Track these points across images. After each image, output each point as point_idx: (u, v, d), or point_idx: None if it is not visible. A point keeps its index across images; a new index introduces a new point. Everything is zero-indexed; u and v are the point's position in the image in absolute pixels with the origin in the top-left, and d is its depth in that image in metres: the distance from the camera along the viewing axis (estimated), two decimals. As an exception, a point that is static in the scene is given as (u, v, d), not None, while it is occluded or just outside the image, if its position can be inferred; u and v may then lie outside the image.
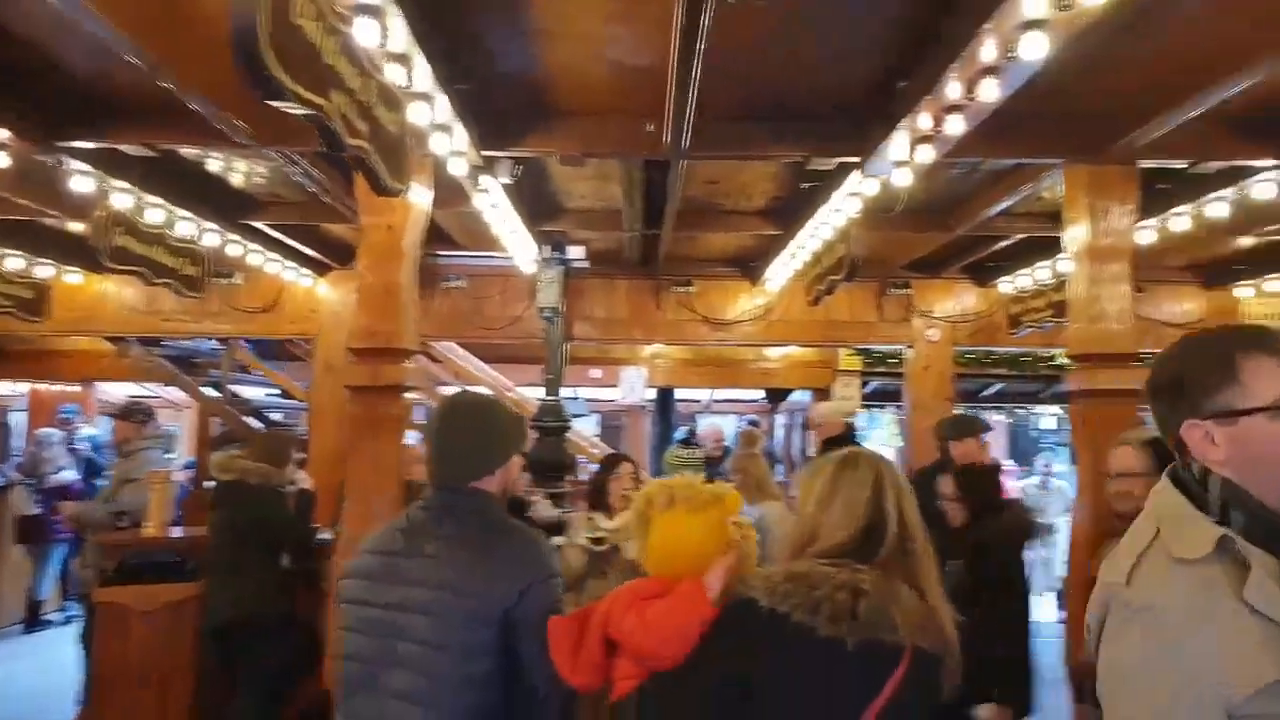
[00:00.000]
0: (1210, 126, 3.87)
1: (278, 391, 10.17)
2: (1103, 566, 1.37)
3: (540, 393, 6.82)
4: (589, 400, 12.88)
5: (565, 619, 2.02)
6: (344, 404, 3.95)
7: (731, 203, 5.69)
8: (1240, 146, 4.08)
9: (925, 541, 1.83)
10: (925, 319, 7.52)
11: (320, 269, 7.09)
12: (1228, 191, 4.54)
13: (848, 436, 6.66)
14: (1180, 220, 4.87)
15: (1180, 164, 4.27)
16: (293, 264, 6.75)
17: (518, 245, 5.80)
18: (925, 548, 1.82)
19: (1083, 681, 3.15)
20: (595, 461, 7.82)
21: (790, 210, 5.55)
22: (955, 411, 6.64)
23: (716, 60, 3.07)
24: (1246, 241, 5.94)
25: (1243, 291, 6.88)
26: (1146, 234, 4.96)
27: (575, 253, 6.34)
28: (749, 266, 7.25)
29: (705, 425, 10.51)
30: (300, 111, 2.43)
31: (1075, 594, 4.03)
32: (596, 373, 10.95)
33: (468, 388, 9.56)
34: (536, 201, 5.61)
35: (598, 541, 3.96)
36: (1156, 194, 4.63)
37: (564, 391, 6.91)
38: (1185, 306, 7.31)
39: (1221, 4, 3.00)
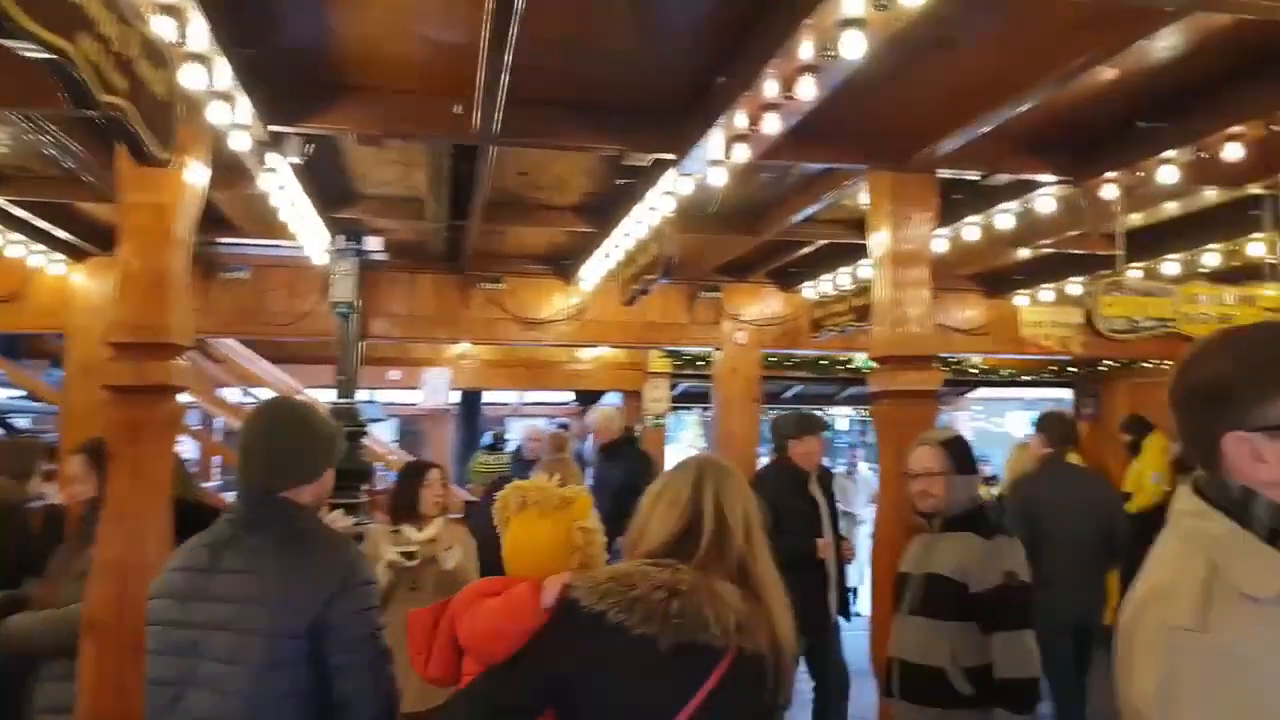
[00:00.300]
0: (1001, 141, 4.09)
1: (22, 393, 9.02)
2: (1147, 610, 1.20)
3: (332, 395, 6.36)
4: (387, 404, 12.30)
5: (423, 611, 2.03)
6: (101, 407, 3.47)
7: (545, 196, 5.51)
8: (1026, 162, 4.38)
9: (756, 541, 1.81)
10: (734, 322, 7.64)
11: (75, 254, 6.29)
12: (1013, 204, 4.85)
13: (627, 441, 6.65)
14: (971, 230, 5.19)
15: (974, 175, 4.48)
16: (41, 247, 5.99)
17: (308, 233, 5.45)
18: (755, 547, 1.81)
19: (889, 676, 3.20)
20: (392, 469, 7.42)
21: (605, 207, 5.44)
22: (773, 412, 6.76)
23: (531, 43, 2.93)
24: (1025, 253, 6.39)
25: (1019, 300, 7.42)
26: (941, 242, 5.21)
27: (373, 243, 5.99)
28: (562, 264, 7.09)
29: (526, 425, 10.26)
30: (37, 55, 2.03)
31: (880, 591, 4.13)
32: (396, 374, 10.43)
33: (258, 391, 8.90)
34: (331, 186, 5.22)
35: (409, 556, 3.72)
36: (951, 204, 4.87)
37: (359, 394, 6.50)
38: (969, 314, 7.85)
39: (1015, 24, 3.14)
